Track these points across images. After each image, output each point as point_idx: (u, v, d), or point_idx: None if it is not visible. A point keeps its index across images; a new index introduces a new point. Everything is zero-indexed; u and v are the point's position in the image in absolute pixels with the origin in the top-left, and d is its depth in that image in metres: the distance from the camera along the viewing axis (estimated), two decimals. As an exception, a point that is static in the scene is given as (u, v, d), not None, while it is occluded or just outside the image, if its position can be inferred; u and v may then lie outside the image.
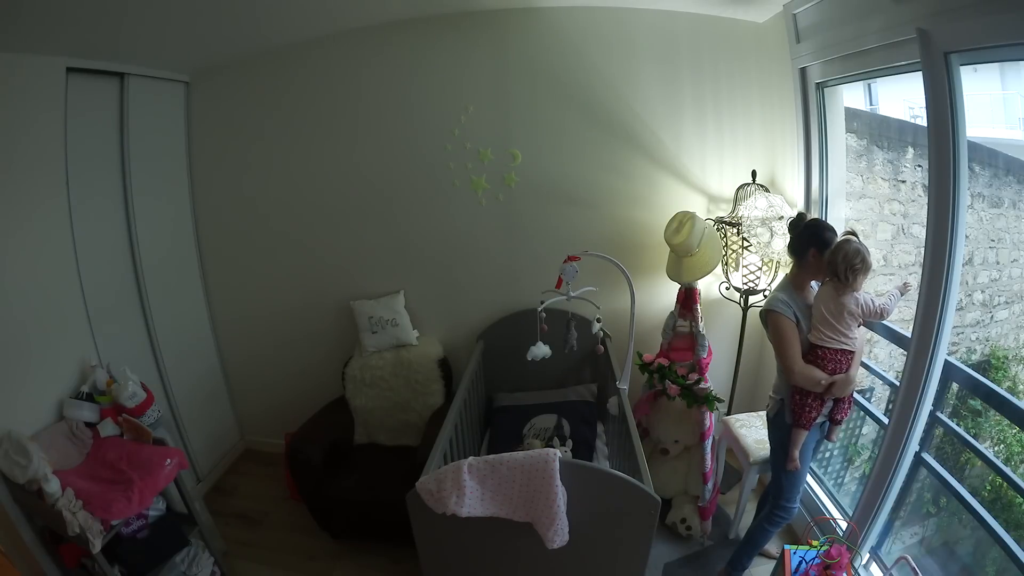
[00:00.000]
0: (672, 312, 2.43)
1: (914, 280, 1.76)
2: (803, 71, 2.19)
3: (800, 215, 1.92)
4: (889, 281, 3.04)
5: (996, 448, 2.82)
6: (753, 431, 2.38)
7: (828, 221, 2.28)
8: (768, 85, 2.42)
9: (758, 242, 2.23)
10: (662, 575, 2.26)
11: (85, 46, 2.07)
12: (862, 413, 2.48)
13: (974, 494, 1.78)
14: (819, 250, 1.74)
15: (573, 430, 2.49)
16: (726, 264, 2.42)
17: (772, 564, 2.12)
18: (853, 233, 1.73)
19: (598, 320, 2.15)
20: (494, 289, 2.79)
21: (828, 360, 1.73)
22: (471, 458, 1.53)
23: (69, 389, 2.07)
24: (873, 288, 2.91)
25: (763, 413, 2.27)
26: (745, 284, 2.39)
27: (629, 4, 2.31)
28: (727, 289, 2.54)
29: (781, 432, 1.88)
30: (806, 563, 1.68)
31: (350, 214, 2.73)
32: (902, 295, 1.78)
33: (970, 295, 3.17)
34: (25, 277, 1.97)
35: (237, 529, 2.65)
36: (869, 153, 3.05)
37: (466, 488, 1.48)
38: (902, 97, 3.07)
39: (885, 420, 1.96)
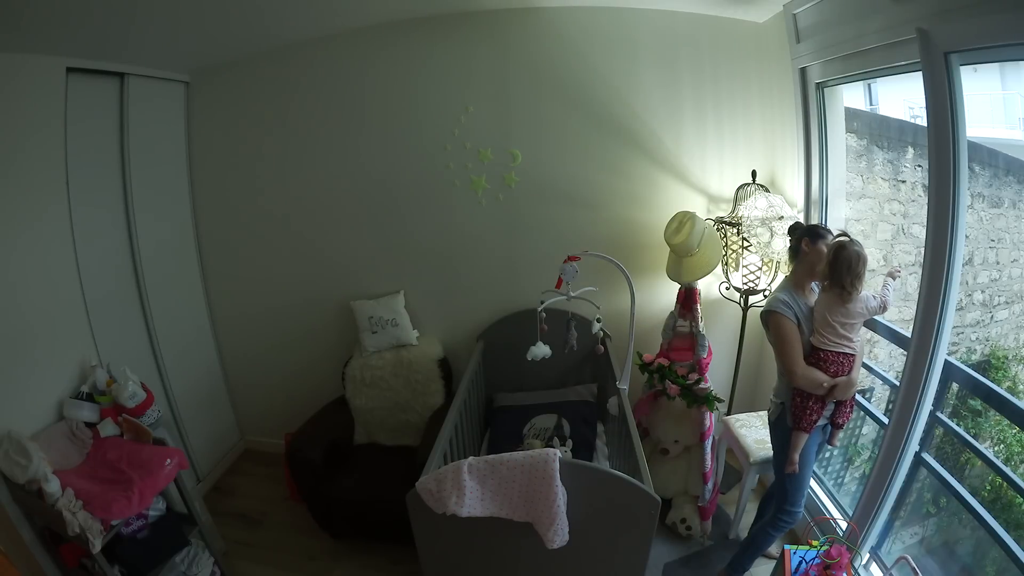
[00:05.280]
0: (672, 312, 2.43)
1: (914, 280, 1.76)
2: (803, 71, 2.19)
3: (797, 223, 1.95)
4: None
5: (996, 448, 2.82)
6: (753, 431, 2.38)
7: (827, 221, 2.30)
8: (768, 85, 2.42)
9: (758, 242, 2.23)
10: (662, 575, 2.26)
11: (85, 46, 2.07)
12: (862, 413, 2.48)
13: (974, 494, 1.78)
14: (812, 239, 1.78)
15: (573, 430, 2.49)
16: (726, 264, 2.42)
17: (772, 564, 2.12)
18: (845, 234, 1.72)
19: (598, 320, 2.15)
20: (494, 289, 2.79)
21: (830, 363, 1.73)
22: (471, 458, 1.53)
23: (69, 389, 2.07)
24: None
25: (763, 413, 2.28)
26: (745, 284, 2.39)
27: (629, 4, 2.31)
28: (727, 289, 2.54)
29: (783, 436, 1.87)
30: (806, 563, 1.68)
31: (349, 214, 2.72)
32: (894, 280, 1.79)
33: (970, 295, 3.17)
34: (25, 277, 1.97)
35: (237, 529, 2.65)
36: (869, 153, 3.05)
37: (466, 488, 1.48)
38: (902, 97, 3.07)
39: (885, 420, 1.96)
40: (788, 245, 1.92)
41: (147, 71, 2.44)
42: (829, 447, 1.95)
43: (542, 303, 2.04)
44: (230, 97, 2.65)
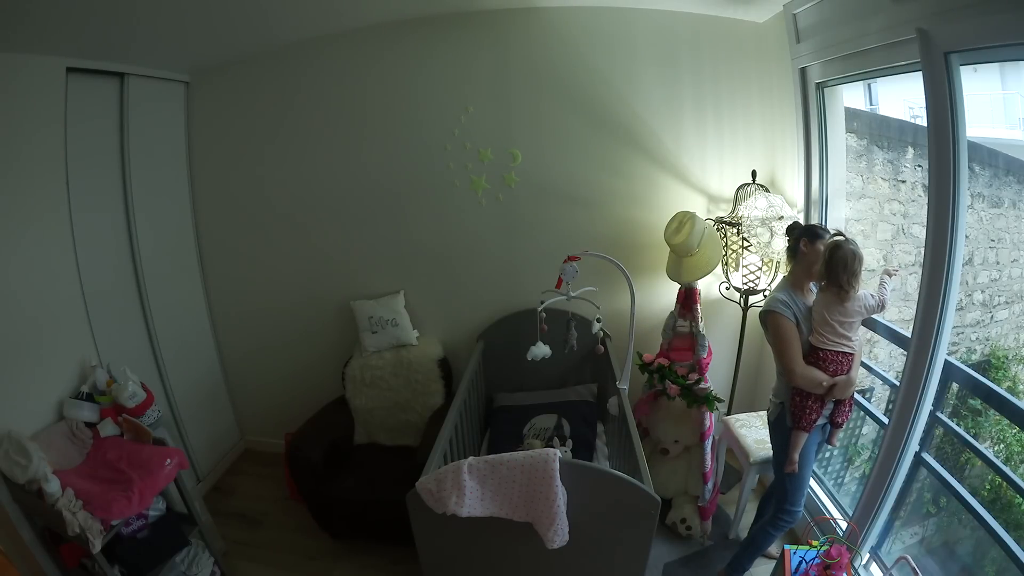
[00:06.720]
0: (672, 312, 2.43)
1: (914, 280, 1.77)
2: (803, 71, 2.19)
3: (795, 223, 1.96)
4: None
5: (996, 448, 2.82)
6: (753, 431, 2.38)
7: (827, 221, 2.30)
8: (768, 85, 2.42)
9: (758, 242, 2.23)
10: (662, 575, 2.26)
11: (85, 46, 2.07)
12: (862, 413, 2.48)
13: (974, 494, 1.78)
14: (810, 239, 1.79)
15: (573, 430, 2.49)
16: (726, 264, 2.42)
17: (772, 564, 2.12)
18: (841, 234, 1.73)
19: (598, 320, 2.15)
20: (494, 289, 2.79)
21: (829, 362, 1.73)
22: (471, 458, 1.53)
23: (69, 389, 2.07)
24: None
25: (763, 413, 2.28)
26: (745, 284, 2.39)
27: (629, 4, 2.31)
28: (727, 289, 2.54)
29: (783, 436, 1.88)
30: (806, 563, 1.68)
31: (349, 214, 2.72)
32: (891, 278, 1.80)
33: (970, 295, 3.16)
34: (25, 277, 1.97)
35: (237, 529, 2.65)
36: (869, 153, 3.04)
37: (466, 488, 1.48)
38: (902, 97, 3.07)
39: (885, 420, 1.96)
40: (787, 245, 1.93)
41: (147, 71, 2.44)
42: (829, 447, 1.95)
43: (542, 303, 2.04)
44: (230, 97, 2.65)
